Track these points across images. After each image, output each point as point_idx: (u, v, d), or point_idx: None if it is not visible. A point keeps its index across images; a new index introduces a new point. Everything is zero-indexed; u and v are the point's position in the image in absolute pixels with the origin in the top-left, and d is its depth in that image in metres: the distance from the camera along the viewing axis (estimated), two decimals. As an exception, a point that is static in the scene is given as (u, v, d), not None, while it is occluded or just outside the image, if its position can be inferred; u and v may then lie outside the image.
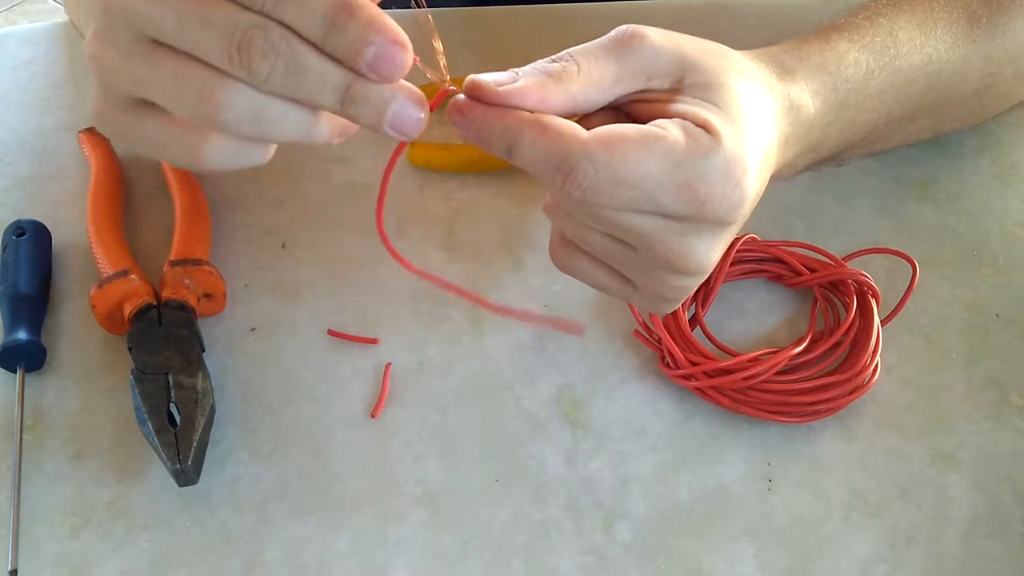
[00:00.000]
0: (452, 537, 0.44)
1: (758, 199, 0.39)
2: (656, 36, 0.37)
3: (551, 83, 0.35)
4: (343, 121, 0.35)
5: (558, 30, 0.67)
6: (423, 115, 0.33)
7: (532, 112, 0.35)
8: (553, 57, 0.36)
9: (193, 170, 0.35)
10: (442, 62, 0.37)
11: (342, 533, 0.44)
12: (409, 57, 0.32)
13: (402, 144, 0.36)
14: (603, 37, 0.37)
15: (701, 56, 0.37)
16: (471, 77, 0.35)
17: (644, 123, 0.38)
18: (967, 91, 0.53)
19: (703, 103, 0.36)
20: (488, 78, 0.35)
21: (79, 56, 0.67)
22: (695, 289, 0.40)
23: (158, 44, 0.32)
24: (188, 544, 0.44)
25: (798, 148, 0.43)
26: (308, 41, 0.31)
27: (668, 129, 0.35)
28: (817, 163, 0.47)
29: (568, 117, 0.36)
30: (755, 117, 0.37)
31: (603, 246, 0.38)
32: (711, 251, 0.37)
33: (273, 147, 0.36)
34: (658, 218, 0.36)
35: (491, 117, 0.35)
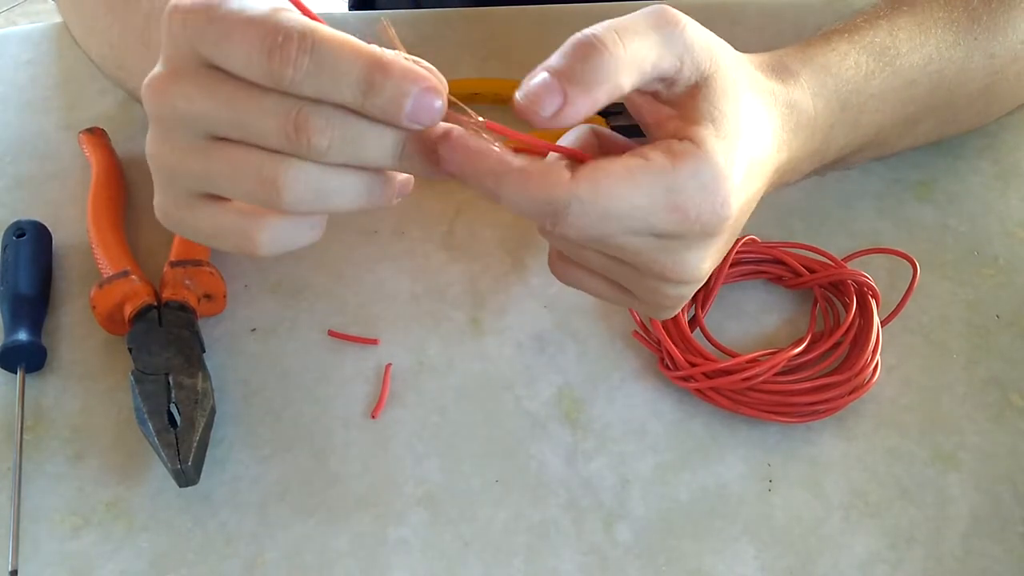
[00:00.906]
0: (452, 537, 0.44)
1: (754, 206, 0.39)
2: (692, 25, 0.36)
3: (596, 84, 0.33)
4: (401, 179, 0.36)
5: (558, 30, 0.66)
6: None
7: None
8: (595, 33, 0.34)
9: (250, 256, 0.36)
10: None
11: (342, 533, 0.44)
12: (443, 98, 0.32)
13: None
14: (640, 12, 0.35)
15: (725, 58, 0.37)
16: (516, 99, 0.34)
17: (646, 124, 0.38)
18: (971, 90, 0.53)
19: (706, 115, 0.36)
20: (532, 96, 0.33)
21: (79, 57, 0.67)
22: (693, 294, 0.40)
23: (215, 139, 0.33)
24: (188, 544, 0.44)
25: (802, 152, 0.43)
26: (349, 109, 0.32)
27: (651, 156, 0.35)
28: (824, 167, 0.47)
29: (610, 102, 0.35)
30: (751, 131, 0.37)
31: (599, 263, 0.38)
32: (703, 261, 0.38)
33: (324, 225, 0.37)
34: (650, 238, 0.36)
35: (473, 160, 0.34)
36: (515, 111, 0.34)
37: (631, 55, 0.34)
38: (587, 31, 0.34)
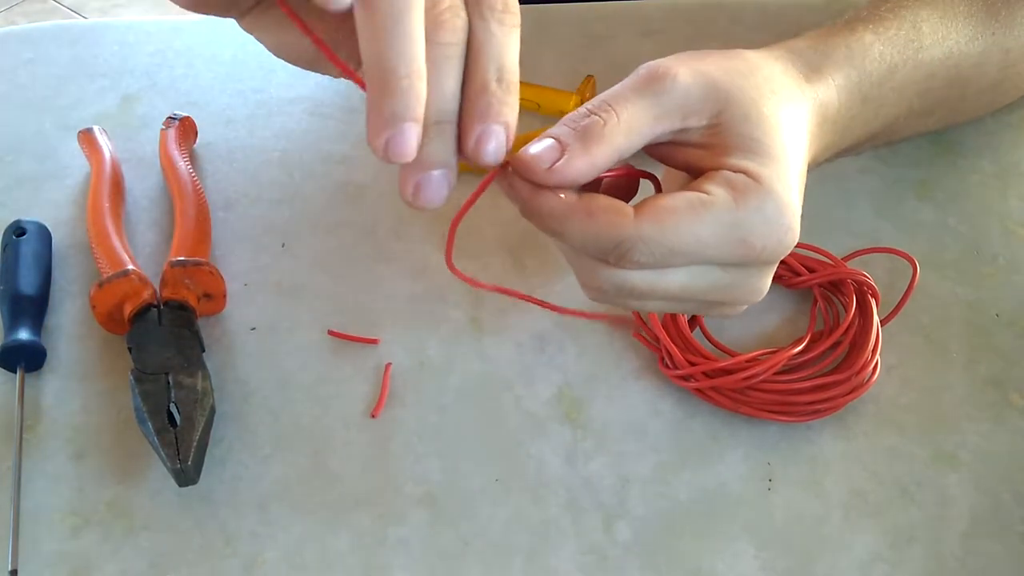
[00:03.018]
0: (452, 537, 0.44)
1: None
2: (684, 72, 0.36)
3: (595, 143, 0.35)
4: None
5: (558, 30, 0.67)
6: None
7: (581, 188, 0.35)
8: (589, 108, 0.35)
9: None
10: None
11: (342, 533, 0.44)
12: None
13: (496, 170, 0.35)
14: (630, 77, 0.37)
15: (733, 83, 0.37)
16: (516, 156, 0.35)
17: (679, 167, 0.38)
18: (984, 84, 0.53)
19: (740, 145, 0.36)
20: (534, 152, 0.34)
21: (79, 56, 0.67)
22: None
23: None
24: (188, 544, 0.44)
25: (823, 143, 0.43)
26: None
27: (713, 191, 0.35)
28: (836, 155, 0.47)
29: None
30: (793, 142, 0.37)
31: (658, 307, 0.38)
32: (765, 285, 0.38)
33: None
34: (714, 268, 0.36)
35: (537, 199, 0.34)
36: (514, 169, 0.35)
37: (625, 122, 0.35)
38: (580, 109, 0.36)
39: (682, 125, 0.37)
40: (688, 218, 0.34)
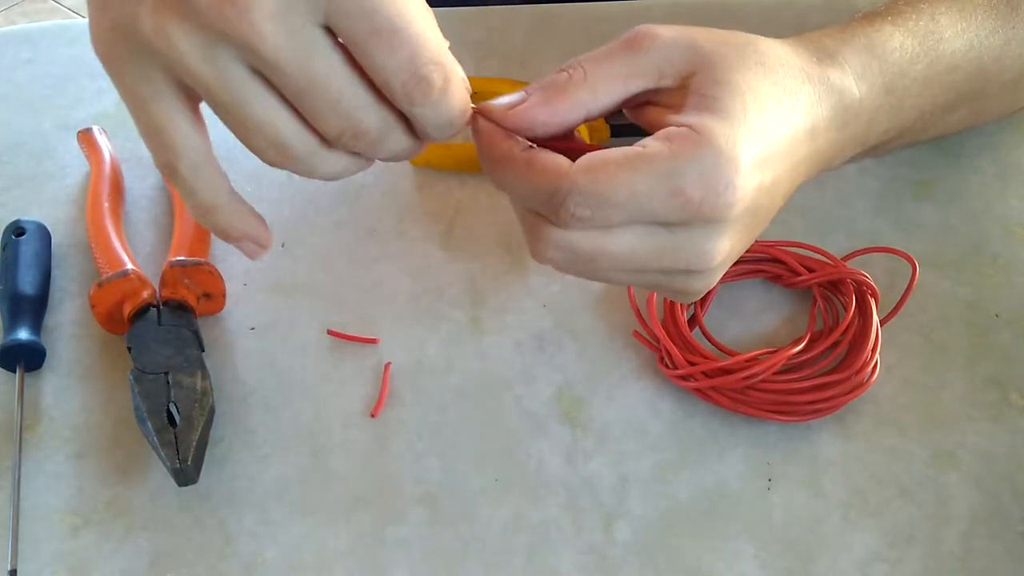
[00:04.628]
0: (452, 537, 0.44)
1: (786, 189, 0.39)
2: (668, 33, 0.37)
3: (558, 95, 0.36)
4: None
5: (558, 30, 0.67)
6: None
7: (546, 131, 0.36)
8: (562, 66, 0.37)
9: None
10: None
11: (341, 533, 0.44)
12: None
13: None
14: (616, 40, 0.37)
15: (715, 50, 0.37)
16: (482, 104, 0.36)
17: (646, 126, 0.38)
18: (1005, 80, 0.52)
19: (698, 104, 0.36)
20: (499, 100, 0.36)
21: (78, 56, 0.67)
22: (714, 283, 0.39)
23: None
24: (188, 544, 0.44)
25: (846, 133, 0.42)
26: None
27: (649, 144, 0.35)
28: (863, 152, 0.47)
29: (584, 122, 0.36)
30: (763, 110, 0.37)
31: (616, 276, 0.39)
32: (716, 248, 0.37)
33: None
34: (657, 228, 0.36)
35: (488, 142, 0.36)
36: (479, 113, 0.36)
37: (592, 78, 0.36)
38: (565, 65, 0.37)
39: (656, 84, 0.37)
40: (622, 169, 0.34)
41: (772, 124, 0.37)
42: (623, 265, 0.37)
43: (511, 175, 0.36)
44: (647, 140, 0.35)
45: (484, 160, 0.37)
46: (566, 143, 0.36)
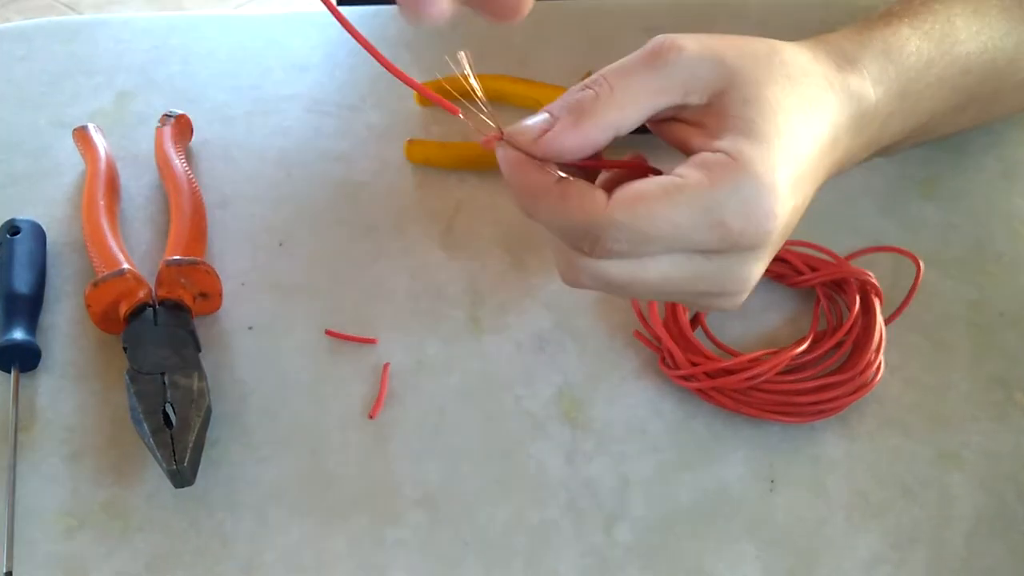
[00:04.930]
0: (451, 538, 0.44)
1: (807, 204, 0.38)
2: (693, 47, 0.36)
3: (587, 118, 0.34)
4: None
5: (558, 29, 0.66)
6: None
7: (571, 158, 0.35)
8: (586, 82, 0.35)
9: None
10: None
11: (340, 534, 0.44)
12: None
13: None
14: (639, 50, 0.36)
15: (742, 64, 0.36)
16: (508, 130, 0.35)
17: (674, 144, 0.38)
18: (1018, 80, 0.52)
19: (731, 127, 0.35)
20: (525, 124, 0.34)
21: (74, 53, 0.67)
22: (744, 298, 0.39)
23: None
24: (184, 546, 0.44)
25: (860, 139, 0.42)
26: None
27: (686, 174, 0.34)
28: (876, 154, 0.46)
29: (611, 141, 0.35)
30: (796, 128, 0.36)
31: (649, 298, 0.38)
32: (751, 274, 0.37)
33: None
34: (695, 255, 0.35)
35: (517, 173, 0.34)
36: (506, 140, 0.35)
37: (620, 95, 0.35)
38: (578, 84, 0.36)
39: (682, 101, 0.36)
40: (661, 203, 0.33)
41: (802, 143, 0.36)
42: (657, 290, 0.37)
43: (543, 207, 0.34)
44: (682, 169, 0.34)
45: (513, 189, 0.35)
46: (593, 160, 0.36)
